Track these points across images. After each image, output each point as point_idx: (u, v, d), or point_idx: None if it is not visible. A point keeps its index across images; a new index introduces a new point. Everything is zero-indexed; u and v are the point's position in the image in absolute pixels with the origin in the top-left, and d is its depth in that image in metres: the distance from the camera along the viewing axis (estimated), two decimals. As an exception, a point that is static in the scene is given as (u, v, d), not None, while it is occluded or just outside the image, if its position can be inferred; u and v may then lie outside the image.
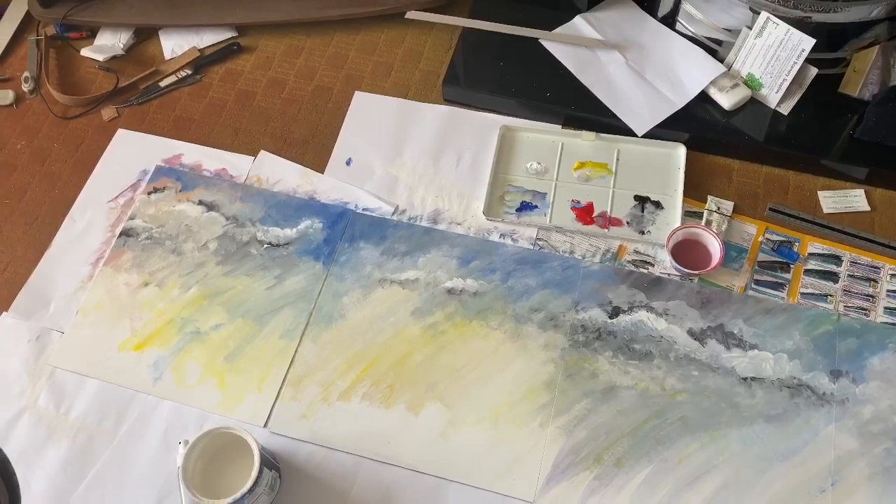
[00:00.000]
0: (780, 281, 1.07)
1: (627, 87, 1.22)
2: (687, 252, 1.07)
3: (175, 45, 1.37)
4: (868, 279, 1.07)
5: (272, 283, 1.09)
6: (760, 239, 1.10)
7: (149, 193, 1.19)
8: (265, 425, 0.99)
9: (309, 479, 0.95)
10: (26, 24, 1.41)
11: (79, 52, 1.37)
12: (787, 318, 1.03)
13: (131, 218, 1.16)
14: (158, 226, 1.15)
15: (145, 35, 1.39)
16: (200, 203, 1.17)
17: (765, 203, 1.13)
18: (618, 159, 1.18)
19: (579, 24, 1.31)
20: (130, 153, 1.24)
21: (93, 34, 1.39)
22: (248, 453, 0.86)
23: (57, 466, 0.97)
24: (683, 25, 1.26)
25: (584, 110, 1.21)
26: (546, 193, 1.16)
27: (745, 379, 0.99)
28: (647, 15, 1.30)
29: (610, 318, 1.04)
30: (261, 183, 1.20)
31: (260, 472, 0.85)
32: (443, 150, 1.22)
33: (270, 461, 0.91)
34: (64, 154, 1.25)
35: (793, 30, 1.11)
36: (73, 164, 1.24)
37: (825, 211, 1.13)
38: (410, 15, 1.31)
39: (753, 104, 1.20)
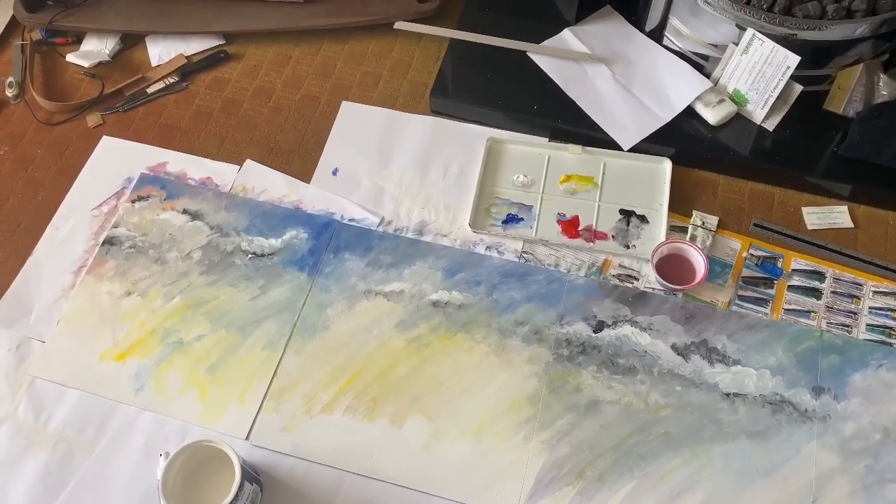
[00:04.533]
0: (763, 297, 1.07)
1: (614, 101, 1.23)
2: (672, 267, 1.07)
3: (162, 51, 1.36)
4: (851, 296, 1.07)
5: (256, 294, 1.09)
6: (745, 254, 1.11)
7: (133, 202, 1.18)
8: (247, 438, 0.98)
9: (291, 493, 0.95)
10: (11, 28, 1.40)
11: (64, 57, 1.36)
12: (770, 334, 1.04)
13: (115, 226, 1.16)
14: (142, 234, 1.15)
15: (132, 41, 1.38)
16: (185, 212, 1.17)
17: (749, 218, 1.14)
18: (604, 173, 1.18)
19: (567, 37, 1.31)
20: (115, 161, 1.23)
21: (79, 40, 1.39)
22: (229, 466, 0.85)
23: (35, 477, 0.96)
24: (670, 40, 1.27)
25: (570, 123, 1.21)
26: (532, 206, 1.16)
27: (727, 395, 1.00)
28: (635, 29, 1.31)
29: (594, 332, 1.04)
30: (246, 192, 1.19)
31: (240, 486, 0.84)
32: (430, 161, 1.21)
33: (252, 475, 0.90)
34: (48, 161, 1.24)
35: (778, 47, 1.12)
36: (57, 171, 1.23)
37: (809, 227, 1.13)
38: (399, 25, 1.31)
39: (739, 120, 1.20)
